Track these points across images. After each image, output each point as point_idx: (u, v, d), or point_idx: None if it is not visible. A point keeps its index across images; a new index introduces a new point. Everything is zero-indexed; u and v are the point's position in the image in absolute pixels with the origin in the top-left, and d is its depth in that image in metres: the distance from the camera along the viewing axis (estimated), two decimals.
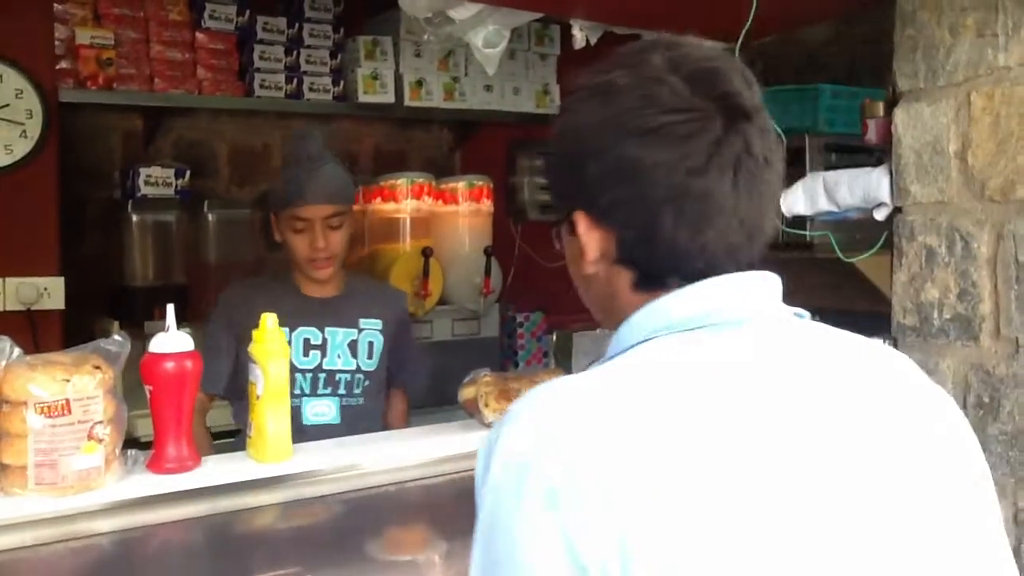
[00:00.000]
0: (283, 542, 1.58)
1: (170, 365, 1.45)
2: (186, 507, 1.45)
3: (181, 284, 3.11)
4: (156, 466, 1.47)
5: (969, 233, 1.93)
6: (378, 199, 3.32)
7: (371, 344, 2.22)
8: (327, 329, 2.17)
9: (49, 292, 2.77)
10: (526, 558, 0.72)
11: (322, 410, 2.14)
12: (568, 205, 0.91)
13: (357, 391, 2.18)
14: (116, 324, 2.88)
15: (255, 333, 1.56)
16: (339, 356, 2.17)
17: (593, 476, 0.71)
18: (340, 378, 2.16)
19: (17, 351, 1.35)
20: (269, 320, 1.55)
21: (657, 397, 0.77)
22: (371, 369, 2.21)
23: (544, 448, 0.74)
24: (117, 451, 1.41)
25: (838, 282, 3.56)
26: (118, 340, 1.43)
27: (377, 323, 2.24)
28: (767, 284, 0.88)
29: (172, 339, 1.46)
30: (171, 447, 1.47)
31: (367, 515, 1.65)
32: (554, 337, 3.80)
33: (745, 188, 0.85)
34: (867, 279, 3.44)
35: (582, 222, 0.89)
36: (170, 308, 1.49)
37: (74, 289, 2.85)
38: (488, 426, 1.78)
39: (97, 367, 1.38)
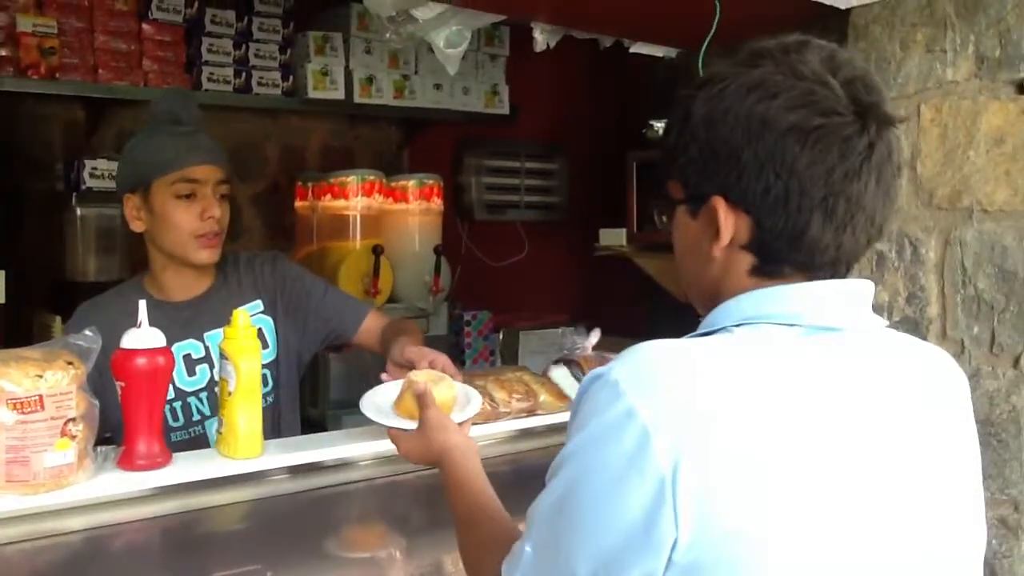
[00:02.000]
0: (252, 539, 1.57)
1: (142, 361, 1.44)
2: (158, 504, 1.44)
3: (124, 280, 3.02)
4: (127, 463, 1.45)
5: (918, 239, 2.01)
6: (328, 196, 3.29)
7: (260, 331, 1.78)
8: (206, 335, 1.88)
9: None
10: (613, 471, 0.80)
11: None
12: (705, 190, 0.93)
13: (265, 390, 1.83)
14: (58, 319, 2.81)
15: (226, 330, 1.54)
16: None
17: (686, 417, 0.79)
18: None
19: None
20: (240, 316, 1.54)
21: (753, 370, 0.85)
22: (270, 359, 1.92)
23: (643, 385, 0.81)
24: (89, 448, 1.39)
25: None
26: (88, 336, 1.41)
27: (257, 304, 1.95)
28: (867, 291, 0.94)
29: (145, 335, 1.45)
30: (142, 444, 1.45)
31: (336, 511, 1.65)
32: (500, 335, 3.84)
33: (883, 192, 0.91)
34: None
35: (721, 207, 0.92)
36: (142, 304, 1.47)
37: (12, 283, 2.76)
38: None
39: (70, 362, 1.36)
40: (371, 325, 2.01)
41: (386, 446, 1.70)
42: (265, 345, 1.91)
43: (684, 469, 0.77)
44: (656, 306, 3.33)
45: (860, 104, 0.88)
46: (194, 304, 1.89)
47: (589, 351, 1.99)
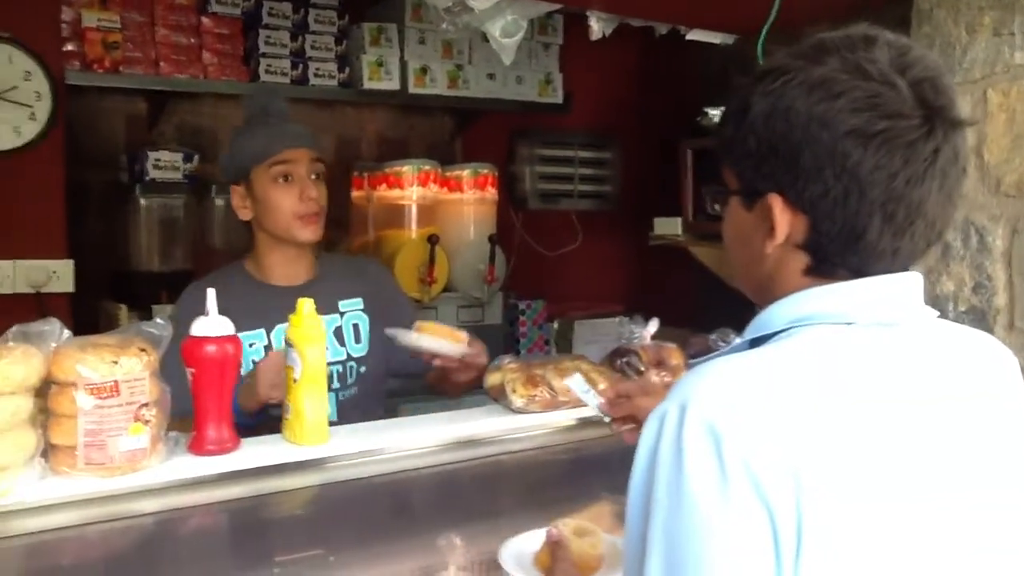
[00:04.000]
0: (316, 524, 1.59)
1: (212, 348, 1.47)
2: (226, 489, 1.47)
3: (187, 269, 3.08)
4: (198, 448, 1.49)
5: (984, 227, 1.97)
6: (383, 185, 3.32)
7: (356, 327, 2.02)
8: None
9: (58, 275, 2.77)
10: (716, 513, 0.76)
11: None
12: (761, 186, 0.91)
13: (351, 381, 1.98)
14: (124, 308, 2.88)
15: (292, 318, 1.57)
16: (326, 347, 1.89)
17: (780, 445, 0.76)
18: (331, 370, 1.90)
19: (67, 333, 1.36)
20: (306, 305, 1.56)
21: (831, 381, 0.82)
22: (362, 354, 2.01)
23: (733, 416, 0.78)
24: (162, 433, 1.43)
25: None
26: (160, 323, 1.45)
27: (357, 302, 2.03)
28: (918, 285, 0.92)
29: (214, 323, 1.48)
30: (212, 429, 1.49)
31: (399, 497, 1.67)
32: (555, 325, 3.84)
33: (946, 196, 0.88)
34: None
35: (778, 205, 0.90)
36: (211, 292, 1.50)
37: (78, 273, 2.84)
38: (517, 411, 1.80)
39: (143, 349, 1.39)
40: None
41: (451, 433, 1.74)
42: (358, 340, 2.01)
43: (809, 514, 0.75)
44: (711, 296, 3.29)
45: (928, 107, 0.85)
46: (296, 291, 1.85)
47: (647, 340, 1.99)
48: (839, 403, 0.80)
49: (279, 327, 1.88)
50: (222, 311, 1.51)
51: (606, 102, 4.14)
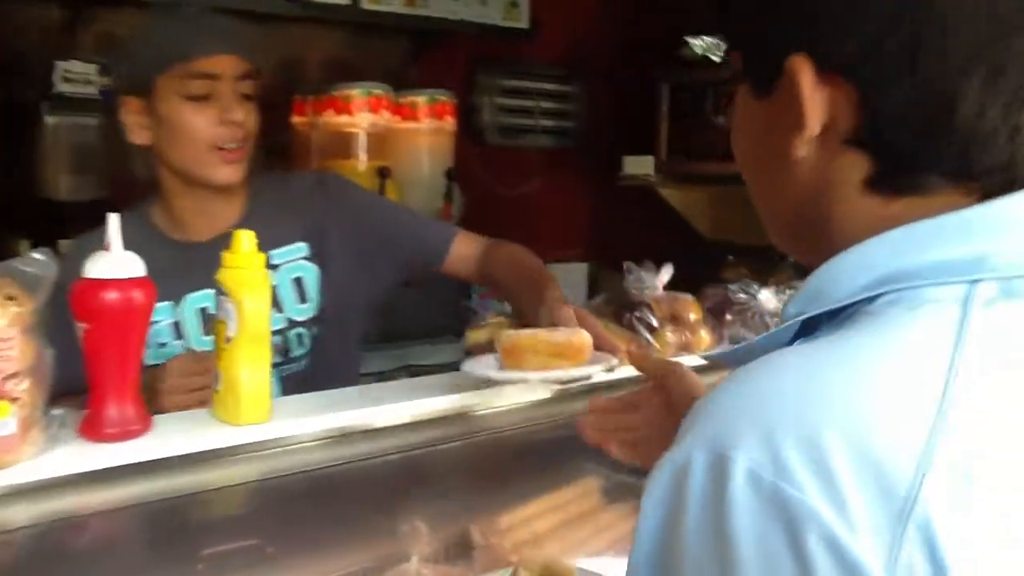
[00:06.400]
0: (254, 520, 1.23)
1: (113, 296, 1.07)
2: (132, 486, 1.07)
3: (102, 199, 2.65)
4: (92, 432, 1.08)
5: None
6: (329, 111, 2.99)
7: (298, 281, 1.56)
8: None
9: None
10: None
11: None
12: (774, 47, 0.57)
13: (298, 353, 1.55)
14: (26, 243, 2.48)
15: (225, 256, 1.18)
16: None
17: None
18: None
19: None
20: (245, 239, 1.17)
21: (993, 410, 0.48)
22: (308, 316, 1.56)
23: (812, 478, 0.45)
24: (39, 413, 1.03)
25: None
26: (39, 260, 1.03)
27: (300, 248, 1.56)
28: None
29: (117, 261, 1.08)
30: (112, 406, 1.09)
31: (360, 483, 1.31)
32: None
33: None
34: None
35: (805, 74, 0.56)
36: (113, 219, 1.10)
37: None
38: (501, 379, 1.44)
39: (11, 297, 0.99)
40: (464, 252, 1.65)
41: (422, 408, 1.39)
42: (303, 299, 1.56)
43: None
44: (684, 247, 3.02)
45: None
46: (217, 244, 1.30)
47: (660, 291, 1.64)
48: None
49: (190, 297, 1.49)
50: None
51: (576, 30, 3.80)
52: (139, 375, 1.12)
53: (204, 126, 1.44)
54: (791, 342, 0.58)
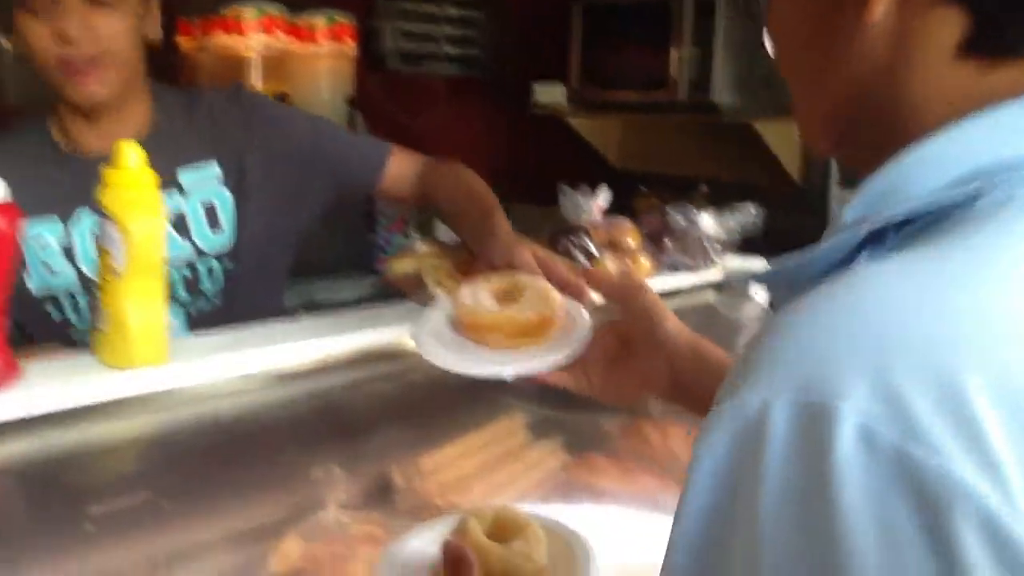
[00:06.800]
0: (146, 475, 1.08)
1: None
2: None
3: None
4: None
5: None
6: (219, 32, 2.78)
7: (211, 208, 1.38)
8: None
9: None
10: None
11: None
12: None
13: (207, 287, 1.38)
14: None
15: (107, 173, 1.00)
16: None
17: None
18: (171, 274, 1.31)
19: None
20: (131, 154, 1.00)
21: None
22: (221, 249, 1.39)
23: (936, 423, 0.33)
24: None
25: (742, 151, 3.26)
26: None
27: (212, 168, 1.39)
28: None
29: None
30: None
31: (270, 429, 1.17)
32: None
33: None
34: (768, 147, 3.15)
35: None
36: None
37: None
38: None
39: None
40: (401, 171, 1.48)
41: (339, 346, 1.25)
42: (215, 226, 1.38)
43: None
44: (591, 174, 2.92)
45: None
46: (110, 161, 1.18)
47: (596, 216, 1.52)
48: None
49: (82, 212, 1.32)
50: (16, 191, 0.94)
51: None
52: (6, 315, 0.95)
53: (41, 41, 1.25)
54: (850, 260, 0.46)
